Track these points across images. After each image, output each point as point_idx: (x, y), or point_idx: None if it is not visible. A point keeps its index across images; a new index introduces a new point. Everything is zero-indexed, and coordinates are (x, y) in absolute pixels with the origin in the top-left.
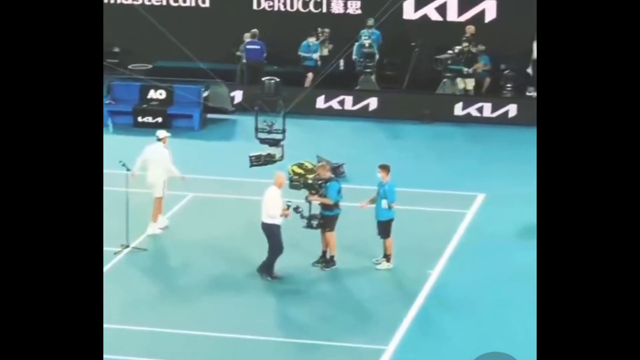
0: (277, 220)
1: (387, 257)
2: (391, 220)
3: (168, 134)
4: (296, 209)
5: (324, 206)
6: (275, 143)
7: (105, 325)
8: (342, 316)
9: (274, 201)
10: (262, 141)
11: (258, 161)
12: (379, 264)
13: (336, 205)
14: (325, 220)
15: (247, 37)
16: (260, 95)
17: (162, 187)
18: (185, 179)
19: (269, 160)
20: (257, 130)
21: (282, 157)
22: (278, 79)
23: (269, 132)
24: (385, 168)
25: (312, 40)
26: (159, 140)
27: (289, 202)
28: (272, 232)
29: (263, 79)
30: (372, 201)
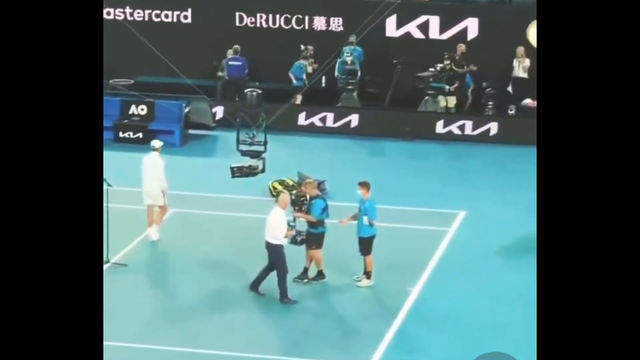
0: (281, 241)
1: (367, 274)
2: (372, 237)
3: (161, 143)
4: (297, 235)
5: (309, 223)
6: (256, 155)
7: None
8: (323, 332)
9: (277, 222)
10: (244, 153)
11: (240, 172)
12: (360, 281)
13: (321, 223)
14: (310, 238)
15: (229, 53)
16: (242, 107)
17: (163, 196)
18: (167, 193)
19: (250, 172)
20: (238, 142)
21: (263, 170)
22: (260, 91)
23: (251, 144)
24: (365, 185)
25: (303, 62)
26: (155, 150)
27: (292, 223)
28: (276, 253)
29: (245, 90)
30: (354, 218)
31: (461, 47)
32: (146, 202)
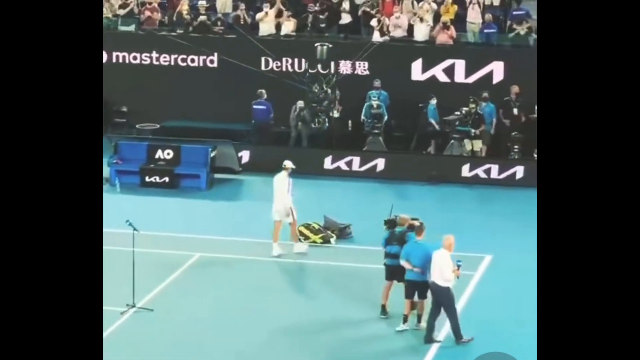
0: (450, 283)
1: (404, 317)
2: (421, 282)
3: (292, 165)
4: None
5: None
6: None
7: None
8: None
9: (446, 263)
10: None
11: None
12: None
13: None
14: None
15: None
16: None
17: (291, 213)
18: (294, 210)
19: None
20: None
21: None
22: (330, 45)
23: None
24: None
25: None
26: (285, 169)
27: (459, 261)
28: (446, 295)
29: (315, 44)
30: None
31: (515, 89)
32: (274, 218)
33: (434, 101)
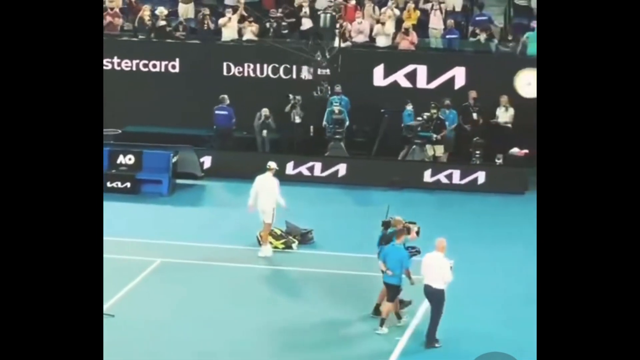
0: (445, 286)
1: (381, 321)
2: (393, 285)
3: (276, 166)
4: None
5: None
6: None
7: None
8: None
9: (442, 265)
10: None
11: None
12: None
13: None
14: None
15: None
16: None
17: (272, 214)
18: (286, 207)
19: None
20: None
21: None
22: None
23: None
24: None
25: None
26: (269, 170)
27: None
28: (438, 298)
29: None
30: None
31: (472, 94)
32: (267, 221)
33: (409, 106)
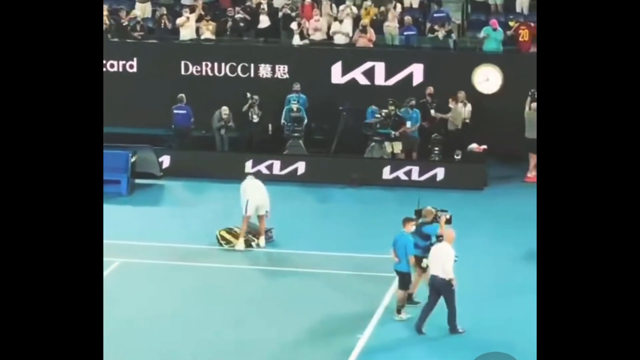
0: (451, 275)
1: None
2: (401, 272)
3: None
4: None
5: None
6: None
7: None
8: None
9: (447, 256)
10: None
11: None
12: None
13: None
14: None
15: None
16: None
17: (265, 208)
18: (268, 215)
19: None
20: None
21: None
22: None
23: None
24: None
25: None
26: (249, 174)
27: (456, 257)
28: (447, 287)
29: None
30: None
31: (429, 90)
32: (249, 212)
33: (374, 106)
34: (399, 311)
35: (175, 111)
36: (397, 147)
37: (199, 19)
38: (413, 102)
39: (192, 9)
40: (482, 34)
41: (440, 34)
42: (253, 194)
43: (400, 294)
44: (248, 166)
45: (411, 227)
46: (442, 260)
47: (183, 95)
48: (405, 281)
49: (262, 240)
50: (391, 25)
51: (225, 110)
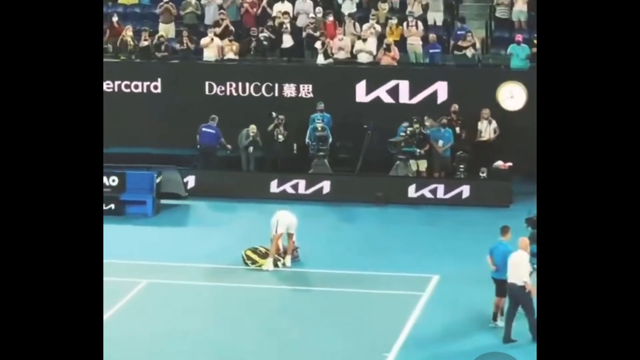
0: (527, 283)
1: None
2: (498, 280)
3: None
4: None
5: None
6: None
7: None
8: None
9: (523, 263)
10: None
11: None
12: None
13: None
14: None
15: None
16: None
17: (294, 227)
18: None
19: None
20: None
21: None
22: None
23: None
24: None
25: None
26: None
27: (535, 266)
28: (524, 294)
29: None
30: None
31: (454, 107)
32: (280, 230)
33: (406, 123)
34: (494, 318)
35: (203, 129)
36: (422, 165)
37: (223, 36)
38: (445, 121)
39: (216, 24)
40: (508, 51)
41: (469, 52)
42: (283, 214)
43: (497, 301)
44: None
45: (509, 236)
46: (517, 268)
47: (216, 116)
48: (502, 288)
49: (288, 259)
50: (415, 44)
51: (252, 128)
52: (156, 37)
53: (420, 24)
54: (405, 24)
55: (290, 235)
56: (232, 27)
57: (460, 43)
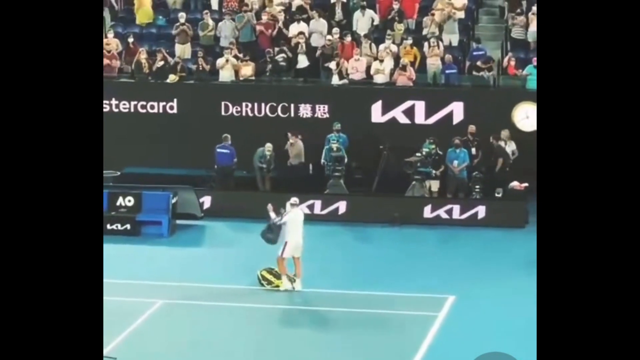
0: None
1: None
2: None
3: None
4: None
5: None
6: None
7: None
8: None
9: None
10: None
11: None
12: None
13: None
14: None
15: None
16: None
17: (300, 249)
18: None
19: None
20: None
21: None
22: None
23: None
24: None
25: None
26: (295, 205)
27: None
28: None
29: None
30: None
31: (471, 128)
32: (286, 255)
33: (429, 140)
34: None
35: (218, 150)
36: (435, 185)
37: (237, 58)
38: (458, 142)
39: (230, 50)
40: (525, 72)
41: (486, 74)
42: (293, 235)
43: None
44: (289, 206)
45: None
46: None
47: (228, 135)
48: None
49: (298, 283)
50: (436, 64)
51: (269, 147)
52: (172, 60)
53: (441, 44)
54: (426, 43)
55: (296, 260)
56: (240, 50)
57: (480, 65)
